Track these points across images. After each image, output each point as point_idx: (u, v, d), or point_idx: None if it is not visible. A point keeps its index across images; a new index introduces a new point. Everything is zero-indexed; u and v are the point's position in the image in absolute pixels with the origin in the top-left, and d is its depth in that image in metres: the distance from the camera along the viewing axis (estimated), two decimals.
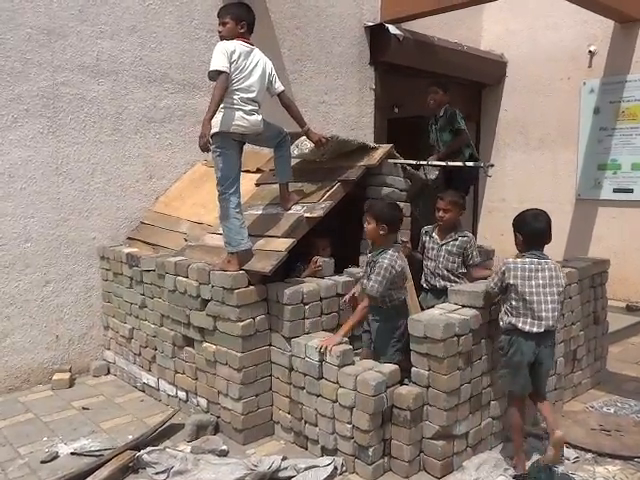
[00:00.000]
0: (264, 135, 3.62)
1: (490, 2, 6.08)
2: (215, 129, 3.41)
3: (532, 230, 3.15)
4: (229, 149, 3.47)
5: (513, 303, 3.09)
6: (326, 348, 3.19)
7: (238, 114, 3.43)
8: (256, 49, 3.56)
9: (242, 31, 3.50)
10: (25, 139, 4.23)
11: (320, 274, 3.79)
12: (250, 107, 3.46)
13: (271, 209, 3.90)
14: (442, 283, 3.92)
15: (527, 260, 3.11)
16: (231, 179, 3.48)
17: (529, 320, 3.06)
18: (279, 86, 3.67)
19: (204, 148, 3.31)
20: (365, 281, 3.42)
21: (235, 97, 3.44)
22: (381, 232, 3.39)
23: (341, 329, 3.39)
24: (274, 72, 3.65)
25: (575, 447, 3.38)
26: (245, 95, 3.45)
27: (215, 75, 3.37)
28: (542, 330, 3.05)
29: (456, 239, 3.93)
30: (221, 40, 3.48)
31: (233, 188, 3.48)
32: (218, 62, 3.35)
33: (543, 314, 3.05)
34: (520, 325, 3.06)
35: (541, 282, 3.07)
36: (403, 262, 3.49)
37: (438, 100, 5.09)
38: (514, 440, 3.22)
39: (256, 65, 3.51)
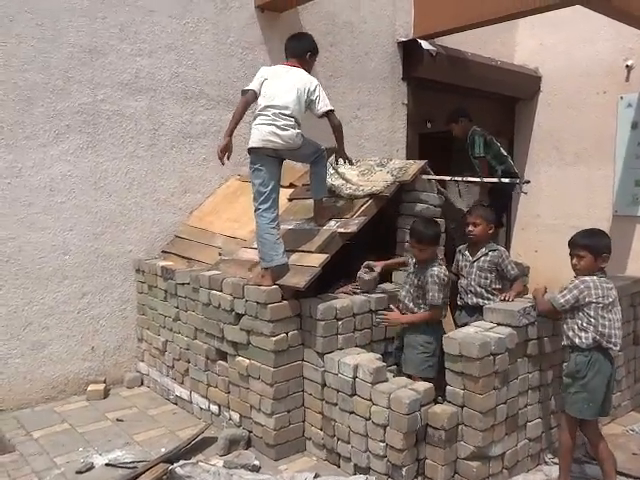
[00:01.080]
0: (301, 151, 3.63)
1: (523, 17, 6.04)
2: (249, 145, 3.51)
3: (606, 247, 3.11)
4: (262, 164, 3.51)
5: (592, 321, 3.00)
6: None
7: (269, 129, 3.47)
8: (295, 69, 3.65)
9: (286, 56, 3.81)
10: (66, 154, 4.34)
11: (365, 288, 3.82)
12: (283, 122, 3.48)
13: (304, 224, 3.91)
14: (475, 300, 3.86)
15: (602, 279, 3.07)
16: (265, 195, 3.50)
17: (612, 340, 3.00)
18: (322, 107, 3.61)
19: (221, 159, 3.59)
20: (404, 294, 3.64)
21: (268, 113, 3.50)
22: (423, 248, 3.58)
23: (409, 317, 3.58)
24: (318, 93, 3.60)
25: (617, 473, 3.28)
26: (278, 111, 3.49)
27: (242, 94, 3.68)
28: (618, 349, 3.02)
29: (487, 254, 3.87)
30: None
31: (267, 204, 3.50)
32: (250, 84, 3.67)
33: (617, 332, 3.02)
34: (604, 344, 2.99)
35: (611, 300, 3.04)
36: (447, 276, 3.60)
37: (460, 130, 5.15)
38: (562, 461, 3.14)
39: (292, 83, 3.56)
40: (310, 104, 3.61)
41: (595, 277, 3.07)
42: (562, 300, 3.07)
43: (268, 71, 3.67)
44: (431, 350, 3.45)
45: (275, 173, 3.56)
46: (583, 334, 3.02)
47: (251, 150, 3.54)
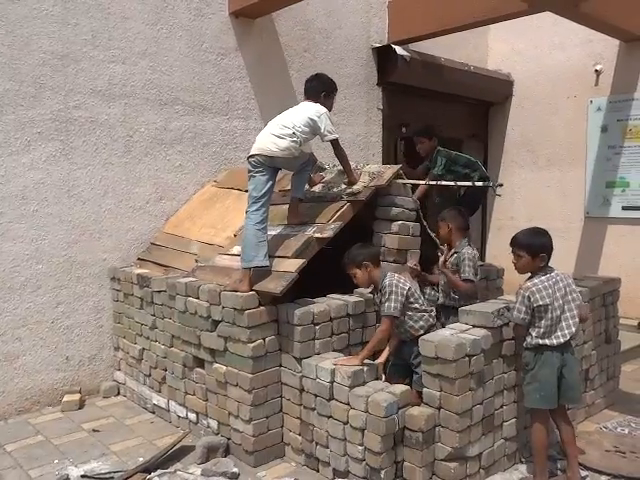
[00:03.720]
0: (297, 161, 3.76)
1: (495, 23, 6.15)
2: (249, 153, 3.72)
3: (544, 247, 3.15)
4: (257, 172, 3.64)
5: (543, 323, 3.08)
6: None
7: (267, 138, 3.64)
8: (308, 102, 3.85)
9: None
10: (38, 162, 4.29)
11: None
12: (282, 132, 3.63)
13: (282, 230, 3.92)
14: (442, 300, 4.03)
15: (543, 278, 3.13)
16: (255, 199, 3.62)
17: (554, 334, 3.09)
18: (326, 135, 3.76)
19: None
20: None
21: (270, 125, 3.71)
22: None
23: (362, 353, 3.33)
24: (322, 118, 3.72)
25: (590, 469, 3.34)
26: (280, 123, 3.68)
27: None
28: (567, 339, 3.09)
29: (453, 255, 3.98)
30: None
31: (256, 206, 3.60)
32: None
33: (567, 322, 3.10)
34: (548, 343, 3.09)
35: (558, 294, 3.11)
36: (410, 283, 3.47)
37: (425, 149, 5.21)
38: (536, 460, 3.18)
39: (302, 109, 3.79)
40: (316, 130, 3.74)
41: (537, 279, 3.13)
42: (521, 316, 3.14)
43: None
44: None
45: (268, 180, 3.65)
46: (529, 339, 3.14)
47: (248, 157, 3.68)
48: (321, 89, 3.88)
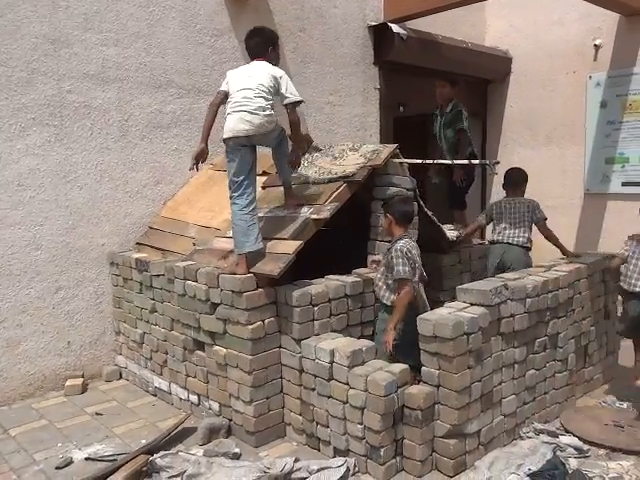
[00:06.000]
0: (272, 135, 3.63)
1: None
2: (222, 136, 3.58)
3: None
4: (234, 155, 3.54)
5: None
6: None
7: (238, 116, 3.49)
8: (257, 62, 3.67)
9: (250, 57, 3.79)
10: (33, 147, 4.26)
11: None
12: (252, 106, 3.48)
13: (278, 212, 3.91)
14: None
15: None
16: (237, 183, 3.52)
17: None
18: (288, 97, 3.59)
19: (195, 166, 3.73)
20: (379, 276, 3.58)
21: (237, 98, 3.54)
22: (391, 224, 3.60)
23: (391, 323, 3.40)
24: (284, 79, 3.59)
25: (589, 443, 3.37)
26: (244, 95, 3.51)
27: None
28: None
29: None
30: None
31: (239, 191, 3.52)
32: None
33: None
34: None
35: None
36: (417, 250, 3.57)
37: (446, 94, 5.13)
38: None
39: (257, 71, 3.59)
40: (277, 92, 3.59)
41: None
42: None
43: (232, 72, 3.72)
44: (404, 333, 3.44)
45: (248, 161, 3.55)
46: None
47: (224, 140, 3.57)
48: (268, 43, 3.72)
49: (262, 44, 3.72)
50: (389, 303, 3.52)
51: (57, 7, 4.28)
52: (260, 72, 3.58)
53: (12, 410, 4.13)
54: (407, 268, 3.39)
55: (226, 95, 3.62)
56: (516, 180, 4.55)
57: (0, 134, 4.11)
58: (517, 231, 4.37)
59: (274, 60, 3.74)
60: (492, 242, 4.60)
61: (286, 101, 3.59)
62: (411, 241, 3.56)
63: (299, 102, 3.64)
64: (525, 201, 4.44)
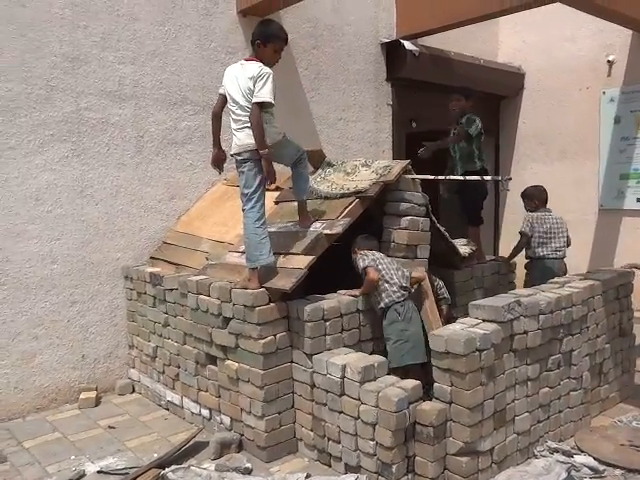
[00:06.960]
0: (281, 152, 3.64)
1: (504, 15, 6.10)
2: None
3: None
4: (243, 168, 3.54)
5: None
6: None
7: (244, 133, 3.50)
8: (248, 64, 3.50)
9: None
10: (51, 163, 4.34)
11: None
12: (236, 124, 3.50)
13: (291, 227, 3.93)
14: None
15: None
16: (247, 196, 3.54)
17: None
18: (257, 96, 3.38)
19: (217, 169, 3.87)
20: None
21: (232, 116, 3.56)
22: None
23: (357, 292, 3.75)
24: (263, 79, 3.39)
25: (604, 463, 3.31)
26: (233, 112, 3.53)
27: None
28: None
29: None
30: None
31: (250, 204, 3.53)
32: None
33: None
34: None
35: None
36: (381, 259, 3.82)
37: (460, 107, 5.14)
38: None
39: (243, 80, 3.46)
40: (253, 92, 3.41)
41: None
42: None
43: (226, 71, 3.64)
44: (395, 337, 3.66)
45: (256, 174, 3.53)
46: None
47: (232, 155, 3.63)
48: (256, 37, 3.50)
49: (254, 39, 3.54)
50: (382, 305, 3.70)
51: (76, 27, 4.38)
52: (242, 78, 3.45)
53: (26, 422, 4.17)
54: (367, 261, 3.74)
55: (224, 98, 3.62)
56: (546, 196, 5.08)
57: (19, 150, 4.20)
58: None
59: (268, 59, 3.53)
60: (542, 257, 4.97)
61: (253, 100, 3.39)
62: (373, 253, 3.86)
63: (263, 103, 3.39)
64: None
